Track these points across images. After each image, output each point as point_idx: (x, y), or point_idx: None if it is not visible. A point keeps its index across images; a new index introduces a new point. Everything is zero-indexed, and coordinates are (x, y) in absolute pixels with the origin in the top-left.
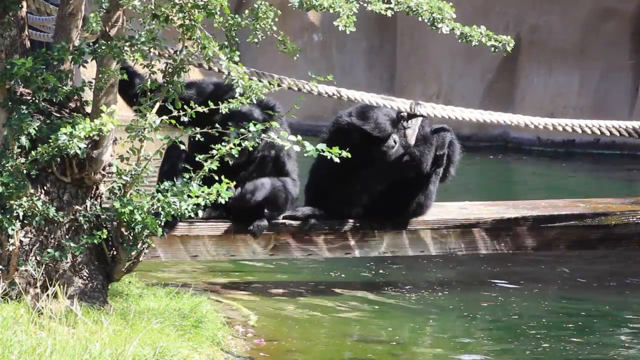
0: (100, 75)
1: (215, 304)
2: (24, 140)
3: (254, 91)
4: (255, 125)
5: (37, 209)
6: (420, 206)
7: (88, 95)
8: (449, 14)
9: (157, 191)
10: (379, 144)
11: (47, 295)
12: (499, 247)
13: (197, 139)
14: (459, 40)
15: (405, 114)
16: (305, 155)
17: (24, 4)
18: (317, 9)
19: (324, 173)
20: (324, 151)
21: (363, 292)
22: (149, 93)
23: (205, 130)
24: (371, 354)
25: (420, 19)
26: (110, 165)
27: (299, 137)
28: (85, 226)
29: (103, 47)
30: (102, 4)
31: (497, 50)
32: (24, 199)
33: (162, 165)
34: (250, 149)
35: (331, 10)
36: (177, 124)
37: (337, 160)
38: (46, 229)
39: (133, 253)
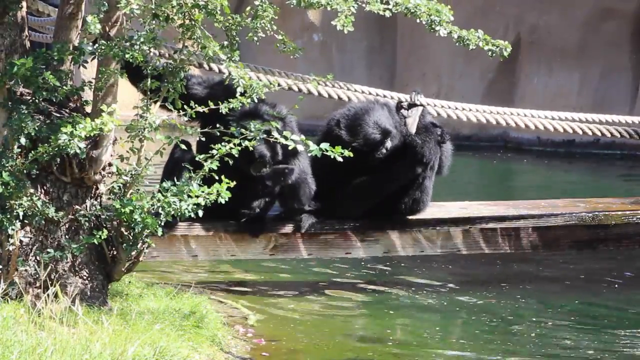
0: (100, 75)
1: (215, 304)
2: (23, 140)
3: (255, 90)
4: (255, 124)
5: (37, 209)
6: (416, 202)
7: (88, 95)
8: (447, 17)
9: (158, 191)
10: (370, 153)
11: (47, 295)
12: (499, 247)
13: (199, 138)
14: (457, 44)
15: (406, 103)
16: (309, 154)
17: (24, 4)
18: (315, 7)
19: (320, 174)
20: (327, 151)
21: (363, 291)
22: (149, 93)
23: (206, 130)
24: (372, 354)
25: (418, 20)
26: (110, 165)
27: (303, 137)
28: (85, 226)
29: (103, 47)
30: (100, 7)
31: (494, 54)
32: (24, 198)
33: (166, 165)
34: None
35: (329, 8)
36: (183, 115)
37: (340, 159)
38: (46, 228)
39: (133, 253)
